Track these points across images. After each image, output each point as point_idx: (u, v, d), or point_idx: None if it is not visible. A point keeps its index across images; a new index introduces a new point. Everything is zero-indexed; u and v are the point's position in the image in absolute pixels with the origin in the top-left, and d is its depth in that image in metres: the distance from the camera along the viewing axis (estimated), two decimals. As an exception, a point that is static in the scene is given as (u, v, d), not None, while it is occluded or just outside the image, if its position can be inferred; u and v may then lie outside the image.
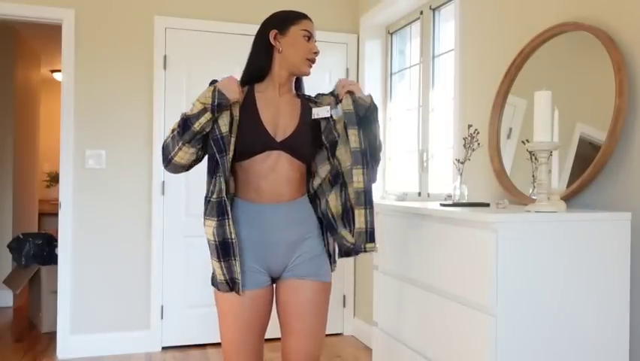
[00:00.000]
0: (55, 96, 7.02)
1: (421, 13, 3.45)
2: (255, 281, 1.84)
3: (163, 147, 1.85)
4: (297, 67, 1.89)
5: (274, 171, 1.83)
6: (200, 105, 1.77)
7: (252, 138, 1.81)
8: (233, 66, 3.84)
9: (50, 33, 5.18)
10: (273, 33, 1.88)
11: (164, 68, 3.68)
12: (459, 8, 2.86)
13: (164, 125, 3.68)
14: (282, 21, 1.89)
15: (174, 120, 3.68)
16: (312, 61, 1.90)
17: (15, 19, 3.56)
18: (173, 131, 1.82)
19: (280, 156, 1.83)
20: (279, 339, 1.97)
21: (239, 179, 1.86)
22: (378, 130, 1.87)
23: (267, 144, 1.82)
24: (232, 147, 1.79)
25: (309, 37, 1.89)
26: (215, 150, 1.77)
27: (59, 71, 6.53)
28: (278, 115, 1.87)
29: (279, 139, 1.84)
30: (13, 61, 5.08)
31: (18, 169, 5.22)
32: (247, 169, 1.84)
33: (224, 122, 1.78)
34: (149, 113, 3.68)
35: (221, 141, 1.77)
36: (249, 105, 1.86)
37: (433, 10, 3.34)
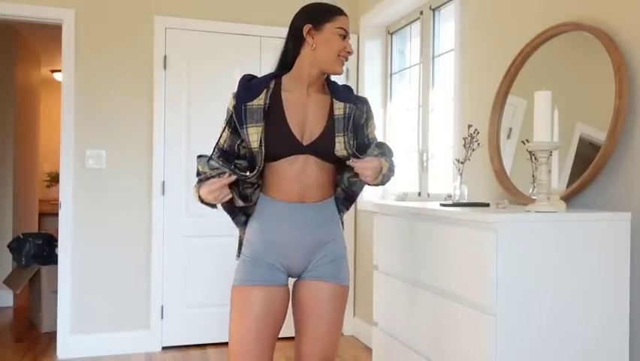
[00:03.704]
0: (55, 96, 7.00)
1: (421, 13, 3.45)
2: (272, 278, 1.80)
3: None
4: (329, 65, 1.80)
5: (302, 174, 1.79)
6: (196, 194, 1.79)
7: (279, 142, 1.76)
8: (233, 66, 3.85)
9: (50, 33, 5.17)
10: (307, 28, 1.79)
11: (164, 68, 3.68)
12: (459, 8, 2.86)
13: (164, 125, 3.68)
14: (317, 16, 1.79)
15: (174, 120, 3.69)
16: (345, 59, 1.82)
17: (15, 19, 3.56)
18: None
19: (308, 159, 1.79)
20: (286, 339, 1.93)
21: (266, 178, 1.83)
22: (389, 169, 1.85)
23: (294, 147, 1.77)
24: (262, 156, 1.77)
25: (345, 35, 1.80)
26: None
27: (59, 71, 6.53)
28: (305, 117, 1.81)
29: (305, 142, 1.78)
30: (14, 61, 5.08)
31: (18, 169, 5.22)
32: (274, 171, 1.80)
33: (255, 139, 1.76)
34: (149, 113, 3.68)
35: (254, 153, 1.78)
36: (275, 107, 1.79)
37: (433, 10, 3.34)
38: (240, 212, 1.86)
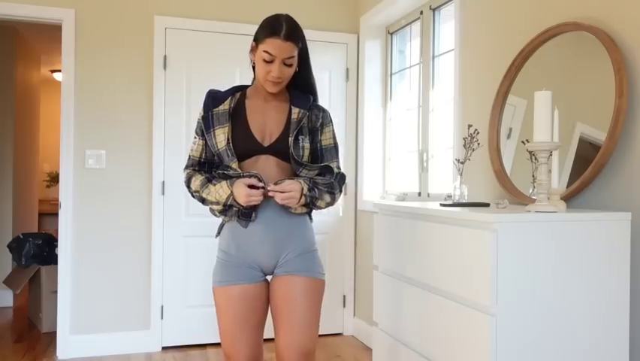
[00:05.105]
0: (55, 96, 7.03)
1: (421, 13, 3.45)
2: (246, 276, 1.91)
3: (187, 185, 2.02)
4: (262, 83, 1.90)
5: (263, 173, 1.89)
6: (214, 199, 1.90)
7: (241, 143, 1.90)
8: (233, 66, 3.85)
9: (50, 33, 5.18)
10: (252, 44, 1.91)
11: (164, 68, 3.68)
12: (459, 8, 2.86)
13: (164, 125, 3.68)
14: (258, 33, 1.87)
15: (174, 120, 3.69)
16: (273, 82, 1.87)
17: (15, 19, 3.56)
18: (189, 182, 1.98)
19: (268, 158, 1.91)
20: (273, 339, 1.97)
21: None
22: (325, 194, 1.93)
23: (255, 148, 1.90)
24: (232, 152, 1.89)
25: (270, 60, 1.82)
26: (222, 160, 1.92)
27: (59, 71, 6.53)
28: (265, 121, 1.94)
29: (266, 144, 1.91)
30: (14, 61, 5.09)
31: (18, 169, 5.22)
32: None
33: (221, 139, 1.89)
34: (149, 113, 3.68)
35: (221, 154, 1.91)
36: (239, 112, 1.94)
37: (433, 10, 3.34)
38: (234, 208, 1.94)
